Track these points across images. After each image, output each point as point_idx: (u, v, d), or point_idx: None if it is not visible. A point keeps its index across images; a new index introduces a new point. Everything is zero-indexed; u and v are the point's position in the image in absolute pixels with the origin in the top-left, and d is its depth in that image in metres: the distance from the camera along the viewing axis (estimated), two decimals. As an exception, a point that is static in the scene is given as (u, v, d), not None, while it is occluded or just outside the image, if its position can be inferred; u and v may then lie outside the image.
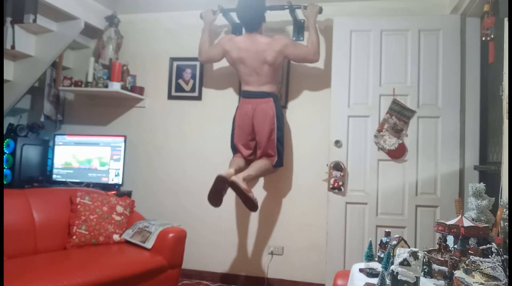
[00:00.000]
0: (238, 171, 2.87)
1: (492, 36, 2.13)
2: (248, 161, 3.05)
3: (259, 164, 2.93)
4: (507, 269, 1.32)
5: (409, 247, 1.67)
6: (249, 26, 2.99)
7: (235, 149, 3.10)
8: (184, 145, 3.49)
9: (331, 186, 2.91)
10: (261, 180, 3.30)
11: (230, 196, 3.27)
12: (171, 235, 2.63)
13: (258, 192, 3.26)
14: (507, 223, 1.66)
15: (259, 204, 3.18)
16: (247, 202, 2.77)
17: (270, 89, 3.00)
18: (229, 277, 3.30)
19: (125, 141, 3.37)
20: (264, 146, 2.97)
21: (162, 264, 2.53)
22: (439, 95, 2.85)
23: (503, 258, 1.36)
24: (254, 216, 3.30)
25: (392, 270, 1.38)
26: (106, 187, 3.25)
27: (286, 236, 3.22)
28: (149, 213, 3.27)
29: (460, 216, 1.65)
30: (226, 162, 3.12)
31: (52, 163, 3.46)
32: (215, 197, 2.79)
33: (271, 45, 2.94)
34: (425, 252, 1.65)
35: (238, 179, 2.71)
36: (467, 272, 1.40)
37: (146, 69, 3.60)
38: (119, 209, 2.83)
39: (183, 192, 3.45)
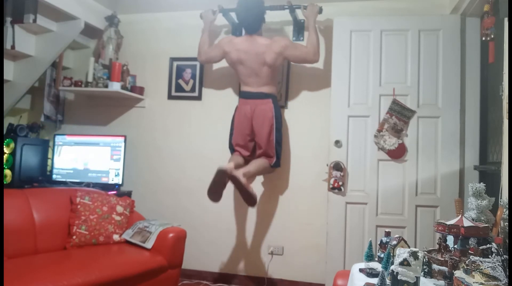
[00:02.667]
0: (237, 167, 2.86)
1: (492, 36, 2.14)
2: (246, 161, 3.05)
3: (258, 162, 2.95)
4: (507, 269, 1.32)
5: (409, 247, 1.67)
6: (249, 28, 2.98)
7: (233, 149, 3.11)
8: (184, 145, 3.49)
9: (331, 186, 2.91)
10: (261, 179, 3.29)
11: (229, 195, 3.28)
12: (171, 235, 2.63)
13: (258, 192, 3.26)
14: (507, 223, 1.66)
15: (259, 202, 3.18)
16: (246, 197, 2.77)
17: (269, 90, 3.00)
18: (229, 277, 3.30)
19: (125, 141, 3.36)
20: (263, 147, 2.98)
21: (162, 264, 2.53)
22: (439, 95, 2.85)
23: (503, 258, 1.36)
24: (254, 216, 3.30)
25: (392, 270, 1.38)
26: (106, 187, 3.25)
27: (286, 236, 3.22)
28: (149, 213, 3.27)
29: (460, 216, 1.65)
30: (226, 162, 3.12)
31: (52, 163, 3.46)
32: (216, 191, 2.76)
33: (270, 47, 2.93)
34: (425, 252, 1.65)
35: (239, 173, 2.71)
36: (467, 272, 1.40)
37: (146, 69, 3.60)
38: (119, 209, 2.83)
39: (183, 192, 3.45)
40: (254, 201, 2.80)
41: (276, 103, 3.02)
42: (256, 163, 2.94)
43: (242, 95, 3.05)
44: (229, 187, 3.05)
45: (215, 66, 3.44)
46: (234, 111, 3.10)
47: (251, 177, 2.97)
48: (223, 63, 3.28)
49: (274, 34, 3.28)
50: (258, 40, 2.97)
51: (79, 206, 2.68)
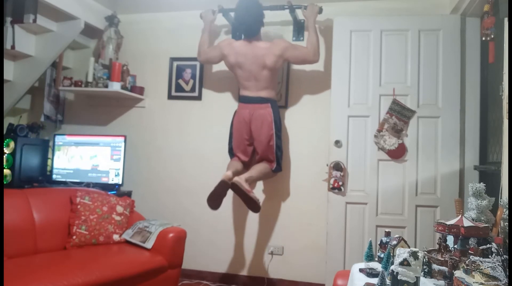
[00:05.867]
0: (236, 174, 2.86)
1: (492, 36, 2.14)
2: (245, 165, 3.05)
3: (260, 167, 2.95)
4: (507, 269, 1.32)
5: (409, 247, 1.67)
6: (248, 32, 2.95)
7: (232, 154, 3.10)
8: (184, 145, 3.49)
9: (331, 186, 2.91)
10: (261, 181, 3.29)
11: (229, 195, 3.28)
12: (171, 235, 2.63)
13: (259, 194, 3.26)
14: (507, 223, 1.66)
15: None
16: (250, 203, 2.76)
17: (268, 94, 2.98)
18: (229, 277, 3.30)
19: (125, 141, 3.36)
20: (263, 152, 2.98)
21: (162, 264, 2.53)
22: (439, 95, 2.85)
23: (503, 258, 1.36)
24: (254, 216, 3.29)
25: (392, 270, 1.38)
26: (106, 187, 3.25)
27: (286, 236, 3.22)
28: (149, 213, 3.27)
29: (460, 216, 1.65)
30: (226, 163, 3.12)
31: (52, 163, 3.46)
32: (216, 200, 2.78)
33: (270, 50, 2.92)
34: (425, 252, 1.65)
35: (241, 180, 2.71)
36: (467, 272, 1.40)
37: (146, 69, 3.60)
38: (119, 209, 2.83)
39: (183, 192, 3.45)
40: (258, 207, 2.78)
41: (276, 107, 3.01)
42: (258, 168, 2.93)
43: (241, 99, 3.04)
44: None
45: (215, 67, 3.44)
46: (233, 114, 3.09)
47: (253, 182, 2.95)
48: (224, 64, 3.27)
49: (273, 37, 3.29)
50: (258, 44, 2.96)
51: (79, 206, 2.68)
